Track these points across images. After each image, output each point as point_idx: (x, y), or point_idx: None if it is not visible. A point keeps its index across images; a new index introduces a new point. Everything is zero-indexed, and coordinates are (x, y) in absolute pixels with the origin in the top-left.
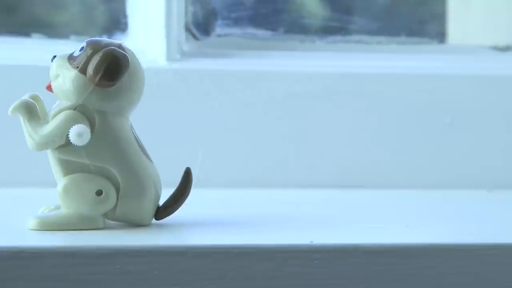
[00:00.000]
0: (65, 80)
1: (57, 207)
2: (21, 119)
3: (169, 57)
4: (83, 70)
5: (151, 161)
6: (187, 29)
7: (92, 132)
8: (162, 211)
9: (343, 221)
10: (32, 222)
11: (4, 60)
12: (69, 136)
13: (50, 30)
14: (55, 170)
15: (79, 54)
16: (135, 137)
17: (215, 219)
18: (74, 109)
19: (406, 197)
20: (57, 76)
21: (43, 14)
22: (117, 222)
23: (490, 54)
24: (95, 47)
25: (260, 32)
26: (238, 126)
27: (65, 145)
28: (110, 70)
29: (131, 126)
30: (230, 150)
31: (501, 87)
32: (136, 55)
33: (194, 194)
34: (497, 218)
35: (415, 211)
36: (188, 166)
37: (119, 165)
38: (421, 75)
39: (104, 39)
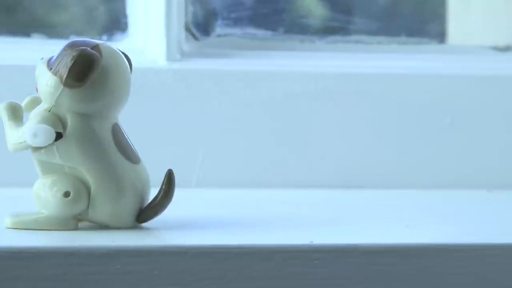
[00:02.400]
0: (42, 83)
1: None
2: (4, 120)
3: (169, 57)
4: (55, 72)
5: (136, 163)
6: (187, 29)
7: (64, 132)
8: (143, 214)
9: (343, 221)
10: (6, 221)
11: (4, 60)
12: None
13: (50, 30)
14: (37, 170)
15: (56, 56)
16: (116, 139)
17: (215, 219)
18: (49, 111)
19: (406, 197)
20: (38, 78)
21: (43, 14)
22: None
23: (490, 54)
24: (69, 48)
25: (260, 32)
26: (238, 126)
27: (40, 147)
28: (77, 70)
29: (115, 128)
30: (230, 150)
31: (501, 87)
32: (120, 57)
33: (194, 194)
34: (497, 218)
35: (415, 211)
36: (170, 168)
37: (89, 166)
38: (421, 75)
39: (84, 39)
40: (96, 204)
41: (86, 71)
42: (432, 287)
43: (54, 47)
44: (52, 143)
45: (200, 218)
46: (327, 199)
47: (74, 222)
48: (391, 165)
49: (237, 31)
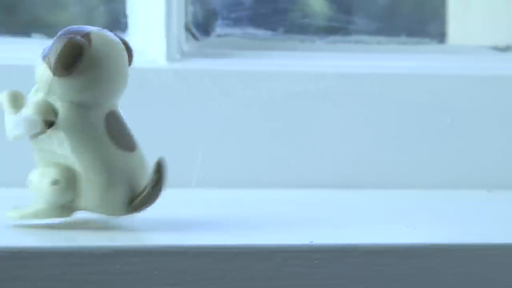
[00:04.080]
0: (37, 72)
1: None
2: (4, 108)
3: (169, 57)
4: (47, 61)
5: (130, 151)
6: (187, 29)
7: (56, 121)
8: (133, 203)
9: (343, 221)
10: (7, 215)
11: (4, 60)
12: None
13: (50, 30)
14: (35, 159)
15: (50, 46)
16: (110, 128)
17: (215, 219)
18: (43, 99)
19: (406, 197)
20: (35, 69)
21: (43, 14)
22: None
23: (490, 54)
24: (60, 36)
25: (260, 32)
26: (238, 126)
27: (39, 134)
28: (63, 59)
29: (110, 116)
30: (230, 150)
31: (501, 87)
32: (113, 46)
33: (194, 194)
34: (497, 218)
35: (415, 211)
36: (161, 157)
37: (79, 155)
38: (421, 75)
39: (78, 27)
40: (85, 192)
41: (72, 60)
42: (432, 287)
43: None
44: (45, 131)
45: (200, 218)
46: (327, 199)
47: (66, 210)
48: (391, 165)
49: (237, 31)
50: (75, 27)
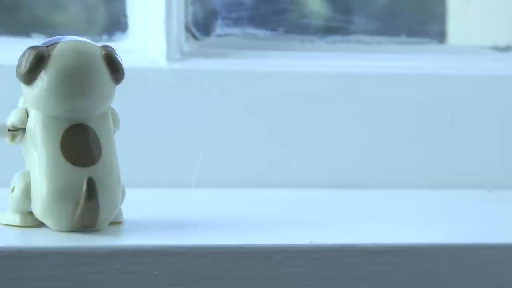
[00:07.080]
0: None
1: None
2: None
3: (169, 57)
4: None
5: (84, 166)
6: (187, 29)
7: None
8: (73, 217)
9: (343, 221)
10: None
11: (4, 60)
12: None
13: (50, 30)
14: None
15: None
16: (66, 140)
17: (215, 219)
18: (23, 107)
19: (406, 197)
20: None
21: (43, 14)
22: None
23: (490, 54)
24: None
25: (260, 32)
26: (238, 126)
27: (12, 140)
28: (22, 66)
29: (72, 129)
30: (230, 150)
31: (501, 87)
32: (78, 59)
33: (194, 194)
34: (497, 218)
35: (415, 211)
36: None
37: (31, 164)
38: (421, 75)
39: (57, 37)
40: (33, 203)
41: (29, 68)
42: (432, 287)
43: None
44: (15, 138)
45: (200, 218)
46: (327, 199)
47: (29, 218)
48: (391, 165)
49: (237, 31)
50: (54, 37)
